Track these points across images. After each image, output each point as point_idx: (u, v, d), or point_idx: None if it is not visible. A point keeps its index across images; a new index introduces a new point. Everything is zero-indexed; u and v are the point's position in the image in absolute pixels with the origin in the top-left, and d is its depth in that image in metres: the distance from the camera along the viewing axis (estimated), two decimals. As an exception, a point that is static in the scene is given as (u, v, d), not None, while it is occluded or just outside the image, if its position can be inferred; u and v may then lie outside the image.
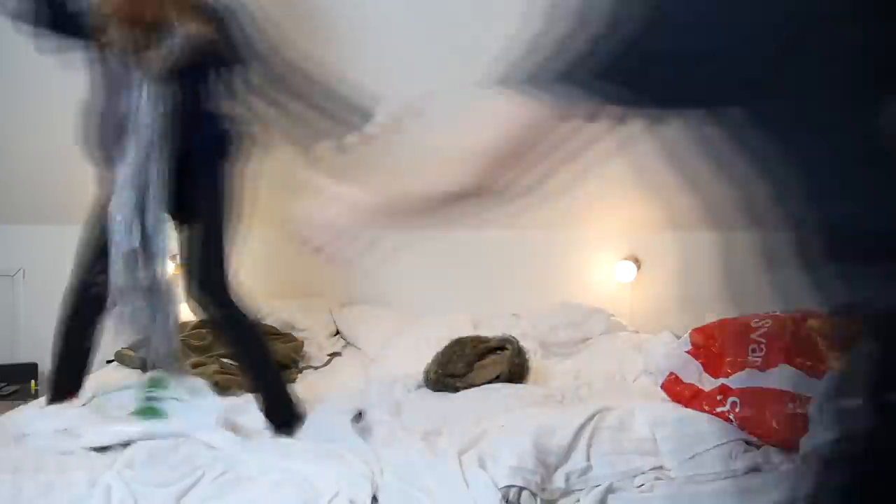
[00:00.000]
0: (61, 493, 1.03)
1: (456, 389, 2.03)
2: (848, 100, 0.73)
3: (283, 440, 1.36)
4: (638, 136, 0.92)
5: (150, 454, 1.19)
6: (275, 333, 2.44)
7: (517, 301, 2.92)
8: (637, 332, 2.77)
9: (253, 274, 3.06)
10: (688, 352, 1.34)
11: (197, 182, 1.71)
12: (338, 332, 2.83)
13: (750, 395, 1.25)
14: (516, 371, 2.11)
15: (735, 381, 1.29)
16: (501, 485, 1.14)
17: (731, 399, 1.24)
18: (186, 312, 2.80)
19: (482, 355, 2.14)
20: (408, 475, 1.20)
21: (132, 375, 2.08)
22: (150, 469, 1.12)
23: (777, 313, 1.36)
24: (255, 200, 1.93)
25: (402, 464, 1.25)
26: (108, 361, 2.33)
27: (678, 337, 1.96)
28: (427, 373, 2.12)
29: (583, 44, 0.76)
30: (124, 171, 1.58)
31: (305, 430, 1.57)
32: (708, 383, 1.29)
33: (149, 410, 1.40)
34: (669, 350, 1.43)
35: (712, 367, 1.31)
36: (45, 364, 2.90)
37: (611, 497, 1.20)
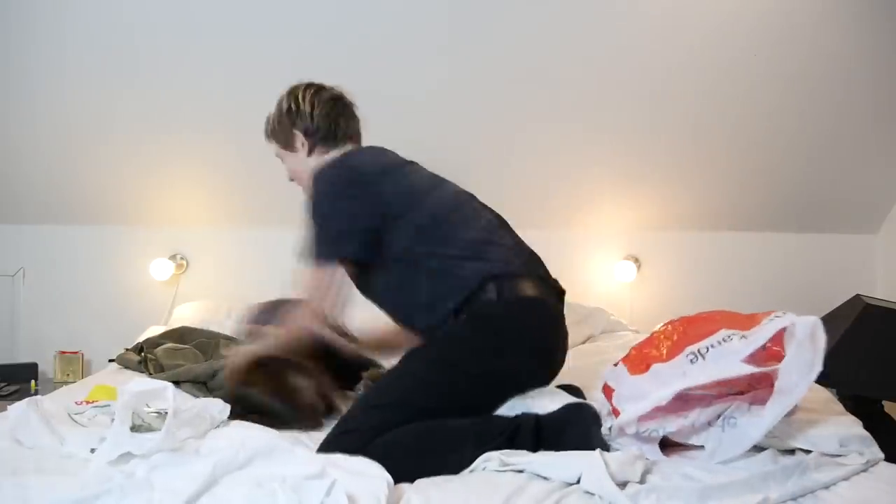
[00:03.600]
0: (71, 493, 1.03)
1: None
2: None
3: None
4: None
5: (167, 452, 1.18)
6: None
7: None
8: (637, 331, 2.78)
9: (254, 277, 3.07)
10: (614, 364, 1.46)
11: None
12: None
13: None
14: None
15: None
16: None
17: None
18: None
19: None
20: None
21: (133, 377, 2.07)
22: (166, 467, 1.12)
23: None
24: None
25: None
26: (110, 361, 2.33)
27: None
28: None
29: None
30: None
31: None
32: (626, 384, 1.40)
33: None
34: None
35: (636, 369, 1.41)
36: (46, 364, 2.92)
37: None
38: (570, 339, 2.63)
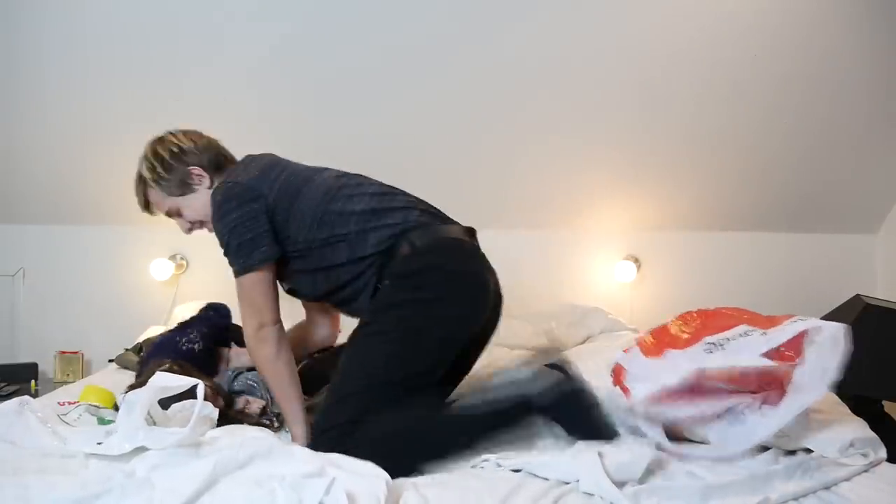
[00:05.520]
0: (72, 492, 1.03)
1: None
2: None
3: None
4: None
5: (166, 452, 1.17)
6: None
7: (517, 301, 2.92)
8: (636, 330, 2.78)
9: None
10: (624, 350, 1.47)
11: None
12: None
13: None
14: None
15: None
16: None
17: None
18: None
19: None
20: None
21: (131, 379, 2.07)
22: (166, 466, 1.12)
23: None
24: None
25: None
26: (110, 361, 2.33)
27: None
28: None
29: None
30: None
31: None
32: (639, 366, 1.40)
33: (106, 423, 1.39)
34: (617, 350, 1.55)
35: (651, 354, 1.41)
36: (46, 364, 2.92)
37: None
38: (570, 339, 2.68)
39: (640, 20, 2.57)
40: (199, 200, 1.75)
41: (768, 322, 1.32)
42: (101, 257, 3.07)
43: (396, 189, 1.74)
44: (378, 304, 1.55)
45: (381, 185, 1.74)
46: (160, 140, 1.77)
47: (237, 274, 1.63)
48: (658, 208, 3.13)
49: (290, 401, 1.59)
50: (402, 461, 1.23)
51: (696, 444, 1.30)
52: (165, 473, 1.08)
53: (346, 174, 1.75)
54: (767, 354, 1.24)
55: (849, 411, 1.50)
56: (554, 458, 1.23)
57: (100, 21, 2.49)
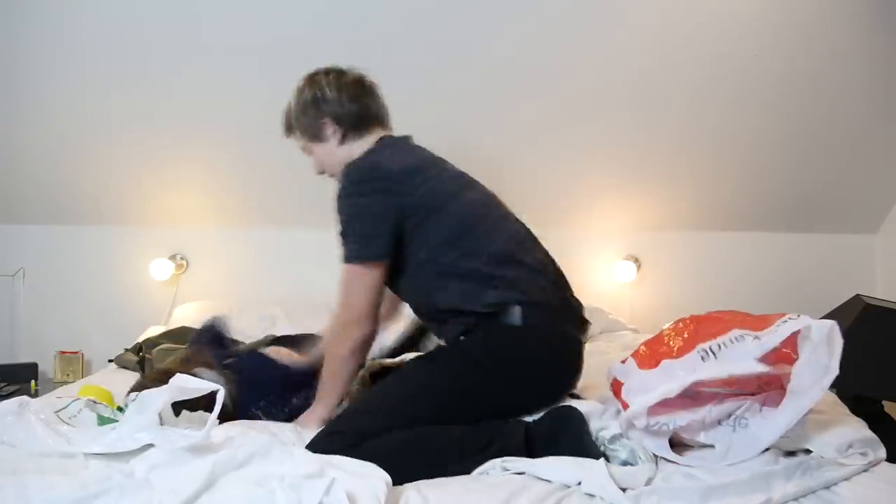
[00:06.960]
0: (71, 492, 1.03)
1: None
2: None
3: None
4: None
5: (167, 452, 1.17)
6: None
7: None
8: (636, 330, 2.78)
9: (254, 277, 3.05)
10: (622, 361, 1.46)
11: None
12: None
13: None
14: None
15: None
16: None
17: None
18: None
19: None
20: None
21: (130, 379, 2.07)
22: (165, 466, 1.12)
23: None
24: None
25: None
26: (110, 361, 2.33)
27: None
28: None
29: None
30: None
31: None
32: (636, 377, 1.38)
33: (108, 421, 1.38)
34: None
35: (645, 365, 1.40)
36: (46, 364, 2.92)
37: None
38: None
39: (640, 20, 2.58)
40: (326, 152, 1.69)
41: (760, 322, 1.32)
42: (101, 257, 3.07)
43: (533, 237, 1.71)
44: (460, 347, 1.50)
45: (522, 227, 1.70)
46: (312, 79, 1.72)
47: (345, 260, 1.55)
48: (658, 208, 3.12)
49: (333, 384, 1.55)
50: (402, 476, 1.20)
51: (701, 452, 1.29)
52: (164, 473, 1.08)
53: (492, 199, 1.71)
54: (765, 356, 1.23)
55: (848, 411, 1.50)
56: (557, 461, 1.23)
57: (99, 21, 2.49)
